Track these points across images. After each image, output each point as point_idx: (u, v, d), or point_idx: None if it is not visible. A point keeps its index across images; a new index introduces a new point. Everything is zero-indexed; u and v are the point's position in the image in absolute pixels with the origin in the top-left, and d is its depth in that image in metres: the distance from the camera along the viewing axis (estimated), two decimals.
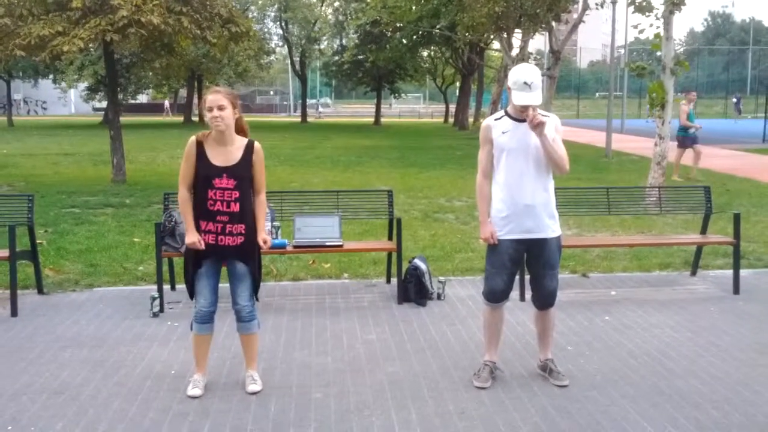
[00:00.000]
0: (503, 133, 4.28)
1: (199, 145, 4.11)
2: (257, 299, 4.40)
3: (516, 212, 4.25)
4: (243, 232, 4.13)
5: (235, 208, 4.08)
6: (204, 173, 4.07)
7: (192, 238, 4.10)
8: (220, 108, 3.99)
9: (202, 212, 4.10)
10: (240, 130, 4.19)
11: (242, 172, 4.11)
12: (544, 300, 4.45)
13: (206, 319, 4.22)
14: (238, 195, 4.08)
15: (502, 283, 4.36)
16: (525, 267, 4.67)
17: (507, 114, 4.33)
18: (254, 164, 4.17)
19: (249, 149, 4.16)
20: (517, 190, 4.24)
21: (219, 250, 4.12)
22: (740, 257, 6.62)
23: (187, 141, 4.15)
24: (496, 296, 4.39)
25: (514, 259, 4.36)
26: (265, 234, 4.22)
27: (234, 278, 4.21)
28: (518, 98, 4.14)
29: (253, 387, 4.26)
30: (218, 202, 4.06)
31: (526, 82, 4.12)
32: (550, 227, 4.32)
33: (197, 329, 4.24)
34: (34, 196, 6.40)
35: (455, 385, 4.38)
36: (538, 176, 4.25)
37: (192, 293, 4.25)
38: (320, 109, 66.54)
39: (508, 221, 4.29)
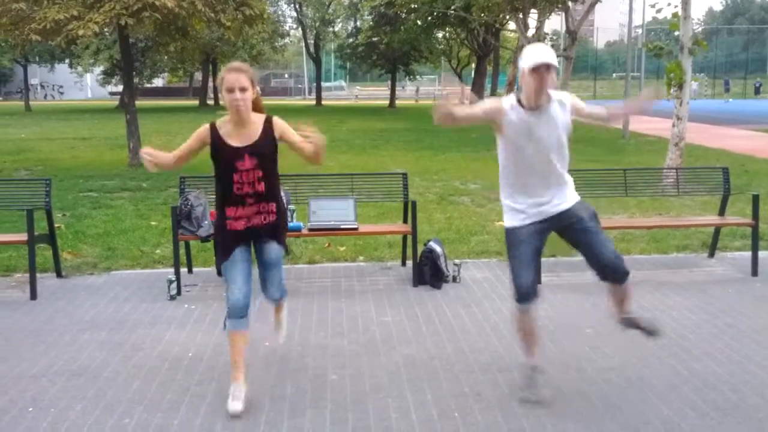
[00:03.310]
0: (513, 122, 3.86)
1: (214, 131, 3.91)
2: (287, 252, 4.33)
3: (530, 204, 3.93)
4: (273, 210, 3.98)
5: (261, 187, 3.90)
6: (225, 157, 3.87)
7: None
8: (242, 90, 3.76)
9: (230, 198, 3.91)
10: (256, 107, 3.96)
11: (263, 149, 3.90)
12: (613, 267, 3.82)
13: (242, 313, 3.84)
14: (261, 174, 3.89)
15: (529, 277, 3.88)
16: (552, 251, 4.17)
17: (519, 103, 3.89)
18: (283, 135, 3.95)
19: (268, 125, 3.95)
20: (528, 186, 3.92)
21: (250, 233, 3.95)
22: (759, 239, 6.55)
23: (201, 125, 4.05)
24: (524, 292, 3.88)
25: (537, 246, 3.95)
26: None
27: (266, 263, 4.05)
28: (532, 59, 3.70)
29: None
30: (245, 185, 3.88)
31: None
32: (567, 199, 3.96)
33: (232, 325, 3.86)
34: (52, 180, 6.45)
35: (471, 368, 4.38)
36: (551, 169, 3.90)
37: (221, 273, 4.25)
38: (420, 92, 61.16)
39: (521, 212, 3.96)
